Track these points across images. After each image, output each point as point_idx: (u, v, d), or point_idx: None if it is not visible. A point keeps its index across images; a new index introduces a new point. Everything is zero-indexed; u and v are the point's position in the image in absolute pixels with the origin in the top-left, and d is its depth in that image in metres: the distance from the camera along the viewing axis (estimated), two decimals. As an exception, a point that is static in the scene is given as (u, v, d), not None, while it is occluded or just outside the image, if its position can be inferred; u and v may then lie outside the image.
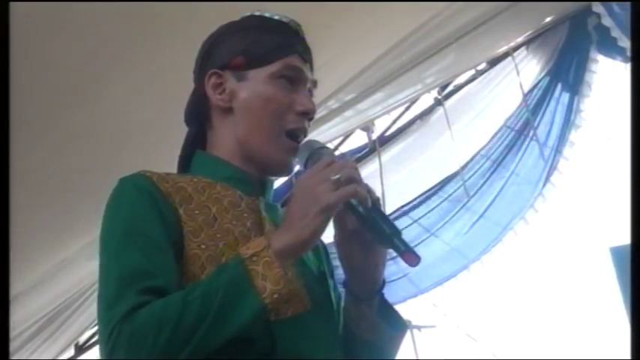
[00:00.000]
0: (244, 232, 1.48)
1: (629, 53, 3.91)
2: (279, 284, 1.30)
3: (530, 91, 4.43)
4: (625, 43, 3.91)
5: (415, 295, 4.96)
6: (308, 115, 1.59)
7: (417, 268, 1.49)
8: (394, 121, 5.01)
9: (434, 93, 4.73)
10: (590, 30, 4.10)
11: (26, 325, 4.63)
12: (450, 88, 4.78)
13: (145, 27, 2.59)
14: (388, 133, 5.01)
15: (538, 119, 4.42)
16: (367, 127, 4.78)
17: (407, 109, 4.93)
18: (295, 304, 1.43)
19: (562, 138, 4.40)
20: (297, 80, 1.59)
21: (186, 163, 1.65)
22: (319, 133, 4.31)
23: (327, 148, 1.54)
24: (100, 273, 1.41)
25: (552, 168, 4.48)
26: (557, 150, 4.40)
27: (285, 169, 1.60)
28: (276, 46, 1.59)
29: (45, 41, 2.56)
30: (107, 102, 2.92)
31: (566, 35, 4.26)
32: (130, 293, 1.33)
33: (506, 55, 4.44)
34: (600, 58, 4.21)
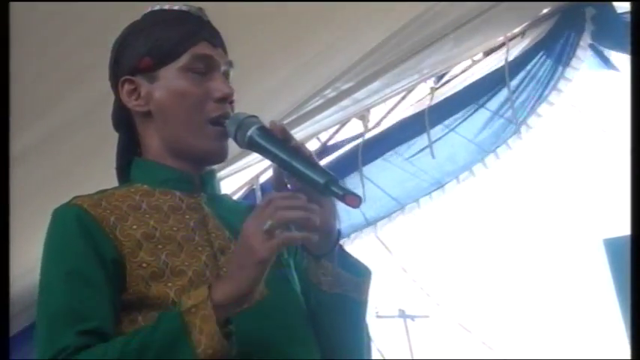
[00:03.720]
0: (187, 235, 1.48)
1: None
2: (213, 340, 1.30)
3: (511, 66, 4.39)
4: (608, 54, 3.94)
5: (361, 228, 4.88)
6: (227, 99, 1.56)
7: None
8: (390, 110, 5.01)
9: (429, 82, 4.74)
10: (587, 19, 4.10)
11: (23, 307, 4.63)
12: (446, 77, 4.78)
13: (141, 12, 2.59)
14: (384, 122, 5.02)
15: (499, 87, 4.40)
16: (363, 116, 4.78)
17: (403, 98, 4.93)
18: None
19: (531, 110, 4.36)
20: (208, 68, 1.57)
21: (124, 172, 1.64)
22: (315, 122, 4.31)
23: (254, 116, 1.50)
24: (36, 308, 1.43)
25: (511, 133, 4.44)
26: (524, 121, 4.37)
27: (219, 156, 1.58)
28: (180, 38, 1.56)
29: (43, 26, 2.56)
30: (102, 89, 2.91)
31: (557, 20, 4.25)
32: (64, 334, 1.35)
33: (502, 45, 4.45)
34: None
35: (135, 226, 1.46)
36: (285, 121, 4.03)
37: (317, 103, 4.16)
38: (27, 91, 2.60)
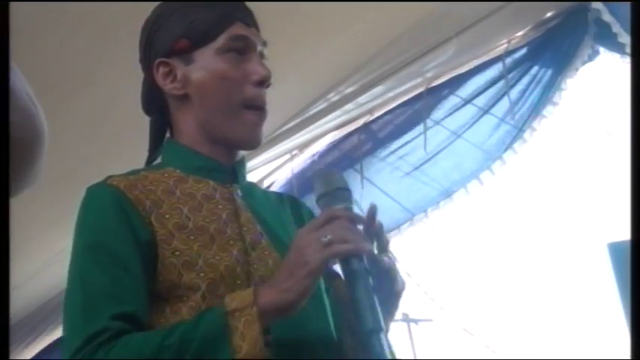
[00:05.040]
0: (220, 227, 1.46)
1: (628, 49, 3.91)
2: (256, 348, 1.27)
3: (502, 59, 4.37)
4: (625, 39, 3.91)
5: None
6: (264, 82, 1.55)
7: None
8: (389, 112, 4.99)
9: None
10: (589, 21, 4.09)
11: (24, 315, 4.63)
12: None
13: (143, 17, 2.59)
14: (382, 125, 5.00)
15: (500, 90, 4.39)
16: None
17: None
18: None
19: (534, 112, 4.34)
20: (245, 49, 1.56)
21: (155, 155, 1.63)
22: (319, 126, 4.30)
23: (343, 190, 1.43)
24: (66, 293, 1.40)
25: (516, 137, 4.42)
26: (526, 122, 4.35)
27: (254, 142, 1.57)
28: (216, 19, 1.54)
29: (43, 30, 2.55)
30: (106, 90, 2.92)
31: (560, 20, 4.25)
32: (98, 316, 1.32)
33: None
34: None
35: (168, 215, 1.44)
36: (288, 125, 4.04)
37: (320, 107, 4.15)
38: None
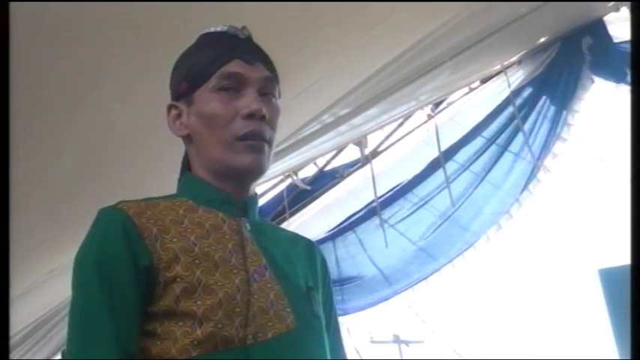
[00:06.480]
0: (224, 255, 1.48)
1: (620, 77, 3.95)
2: None
3: (514, 99, 4.43)
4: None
5: (390, 297, 4.94)
6: (255, 115, 1.54)
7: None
8: (387, 137, 5.03)
9: (427, 109, 4.76)
10: (583, 50, 4.12)
11: (15, 331, 4.62)
12: (443, 105, 4.80)
13: (143, 32, 2.60)
14: (380, 148, 5.04)
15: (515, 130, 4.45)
16: (360, 142, 4.80)
17: (400, 125, 4.95)
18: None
19: (545, 149, 4.39)
20: (239, 86, 1.56)
21: None
22: (313, 147, 4.31)
23: None
24: (70, 323, 1.44)
25: (532, 177, 4.48)
26: (538, 160, 4.40)
27: (254, 169, 1.57)
28: (211, 60, 1.57)
29: (42, 46, 2.56)
30: (103, 112, 2.92)
31: (557, 50, 4.28)
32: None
33: (498, 72, 4.48)
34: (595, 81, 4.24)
35: (175, 239, 1.46)
36: (282, 146, 4.05)
37: (314, 129, 4.16)
38: (24, 109, 2.61)
